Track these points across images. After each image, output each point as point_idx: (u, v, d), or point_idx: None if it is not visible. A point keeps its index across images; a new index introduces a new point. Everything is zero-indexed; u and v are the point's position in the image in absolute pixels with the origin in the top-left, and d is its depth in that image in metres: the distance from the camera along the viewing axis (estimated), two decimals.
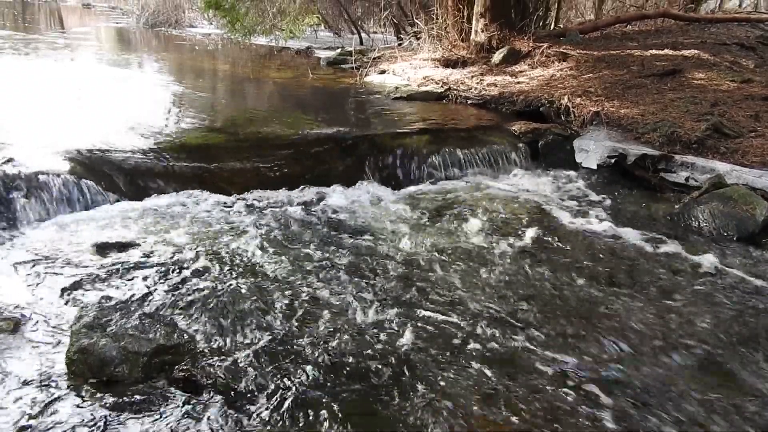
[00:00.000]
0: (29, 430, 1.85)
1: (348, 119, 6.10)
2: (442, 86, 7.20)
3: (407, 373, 2.27)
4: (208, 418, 1.97)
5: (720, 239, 3.78)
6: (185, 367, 2.16)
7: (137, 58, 10.36)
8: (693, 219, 3.99)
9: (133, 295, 2.69)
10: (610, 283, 3.12)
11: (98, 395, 2.02)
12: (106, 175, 3.79)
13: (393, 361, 2.34)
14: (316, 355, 2.36)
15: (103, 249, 3.12)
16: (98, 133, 4.33)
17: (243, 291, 2.76)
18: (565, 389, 2.24)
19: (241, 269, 3.01)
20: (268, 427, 1.97)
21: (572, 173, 5.07)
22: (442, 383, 2.23)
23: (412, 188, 4.56)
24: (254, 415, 2.01)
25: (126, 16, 21.17)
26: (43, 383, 2.06)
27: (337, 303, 2.77)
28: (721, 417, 2.13)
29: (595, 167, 5.04)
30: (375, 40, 12.46)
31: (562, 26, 10.15)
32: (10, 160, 3.56)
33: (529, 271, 3.21)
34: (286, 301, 2.74)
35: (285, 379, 2.19)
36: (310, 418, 2.01)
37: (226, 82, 8.35)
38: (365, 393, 2.16)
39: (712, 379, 2.36)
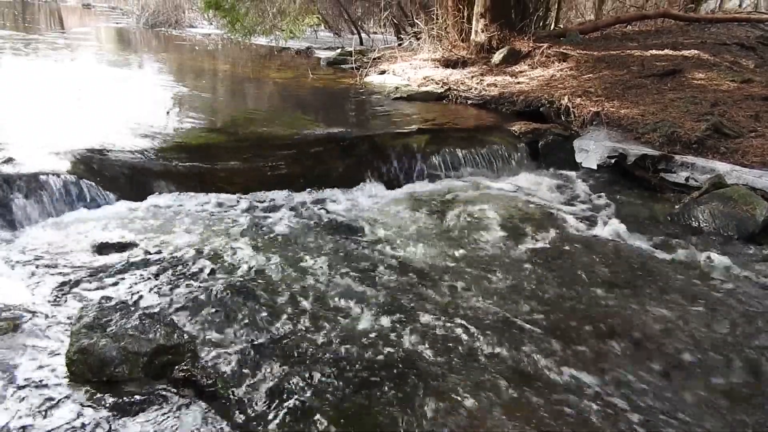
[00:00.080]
0: (29, 430, 1.85)
1: (348, 119, 6.10)
2: (442, 86, 7.20)
3: (408, 377, 2.27)
4: (208, 419, 1.97)
5: (720, 239, 3.77)
6: (185, 367, 2.16)
7: (137, 58, 10.36)
8: (693, 219, 3.99)
9: (133, 295, 2.69)
10: (610, 283, 3.11)
11: (98, 395, 2.02)
12: (106, 175, 3.79)
13: (394, 364, 2.34)
14: (317, 356, 2.35)
15: (103, 249, 3.13)
16: (98, 133, 4.33)
17: (243, 291, 2.76)
18: (571, 395, 2.23)
19: (241, 270, 3.01)
20: (269, 428, 1.97)
21: (572, 173, 5.07)
22: (443, 384, 2.22)
23: (412, 188, 4.56)
24: (254, 416, 2.01)
25: (126, 17, 21.16)
26: (42, 383, 2.06)
27: (338, 304, 2.77)
28: (721, 417, 2.13)
29: (595, 167, 5.04)
30: (375, 41, 12.45)
31: (562, 26, 10.14)
32: (10, 159, 3.56)
33: (531, 272, 3.21)
34: (287, 302, 2.74)
35: (285, 380, 2.19)
36: (311, 419, 2.01)
37: (226, 83, 8.35)
38: (366, 395, 2.16)
39: (714, 380, 2.35)
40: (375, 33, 14.21)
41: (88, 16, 24.14)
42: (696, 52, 7.04)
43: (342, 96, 7.32)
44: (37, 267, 2.90)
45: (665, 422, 2.09)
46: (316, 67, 9.87)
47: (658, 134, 4.94)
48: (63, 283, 2.76)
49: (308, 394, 2.12)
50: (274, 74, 9.01)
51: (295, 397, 2.10)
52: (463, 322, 2.64)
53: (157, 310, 2.55)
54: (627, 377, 2.33)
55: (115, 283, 2.80)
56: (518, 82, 6.93)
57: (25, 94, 5.98)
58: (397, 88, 7.40)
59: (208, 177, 4.08)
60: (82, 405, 1.98)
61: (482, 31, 8.16)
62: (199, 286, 2.79)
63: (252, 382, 2.17)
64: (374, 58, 9.11)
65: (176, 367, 2.16)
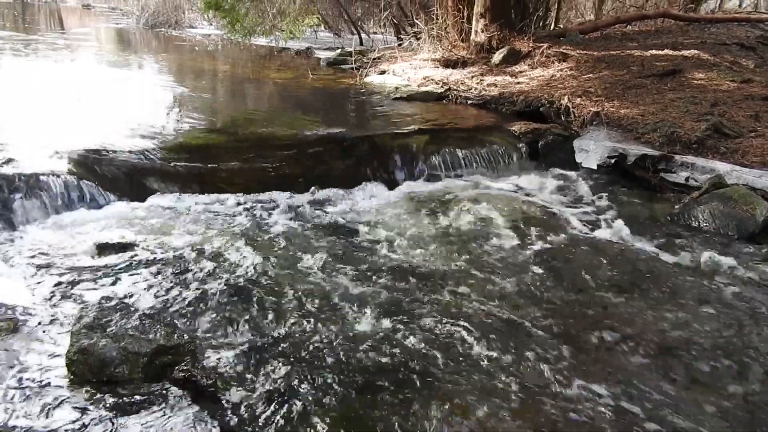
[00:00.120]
0: (29, 430, 1.85)
1: (348, 119, 6.10)
2: (442, 86, 7.20)
3: (409, 380, 2.26)
4: (208, 419, 1.97)
5: (720, 239, 3.77)
6: (185, 368, 2.16)
7: (137, 58, 10.36)
8: (693, 219, 3.99)
9: (133, 296, 2.69)
10: (612, 285, 3.11)
11: (98, 396, 2.02)
12: (106, 176, 3.79)
13: (395, 367, 2.33)
14: (318, 357, 2.35)
15: (103, 249, 3.12)
16: (98, 134, 4.33)
17: (243, 292, 2.76)
18: (578, 401, 2.22)
19: (241, 270, 3.01)
20: (268, 430, 1.97)
21: (572, 173, 5.07)
22: (444, 387, 2.22)
23: (412, 188, 4.56)
24: (254, 417, 2.01)
25: (126, 17, 21.16)
26: (42, 384, 2.06)
27: (338, 304, 2.77)
28: (738, 423, 2.13)
29: (595, 167, 5.03)
30: (375, 41, 12.46)
31: (562, 26, 10.14)
32: (10, 160, 3.56)
33: (534, 274, 3.20)
34: (287, 303, 2.73)
35: (285, 382, 2.18)
36: (311, 421, 2.01)
37: (226, 83, 8.35)
38: (367, 397, 2.15)
39: (727, 385, 2.33)
40: (375, 33, 14.21)
41: (87, 16, 24.16)
42: (696, 52, 7.04)
43: (342, 96, 7.32)
44: (37, 267, 2.90)
45: (679, 429, 2.06)
46: (316, 68, 9.87)
47: (658, 134, 4.94)
48: (63, 284, 2.76)
49: (309, 395, 2.12)
50: (274, 74, 9.01)
51: (296, 398, 2.10)
52: (465, 324, 2.63)
53: (157, 310, 2.55)
54: (636, 382, 2.30)
55: (115, 284, 2.80)
56: (518, 82, 6.93)
57: (26, 95, 5.98)
58: (397, 88, 7.40)
59: (209, 177, 4.08)
60: (82, 405, 1.98)
61: (482, 31, 8.16)
62: (200, 287, 2.79)
63: (252, 382, 2.17)
64: (374, 59, 9.11)
65: (176, 367, 2.16)
